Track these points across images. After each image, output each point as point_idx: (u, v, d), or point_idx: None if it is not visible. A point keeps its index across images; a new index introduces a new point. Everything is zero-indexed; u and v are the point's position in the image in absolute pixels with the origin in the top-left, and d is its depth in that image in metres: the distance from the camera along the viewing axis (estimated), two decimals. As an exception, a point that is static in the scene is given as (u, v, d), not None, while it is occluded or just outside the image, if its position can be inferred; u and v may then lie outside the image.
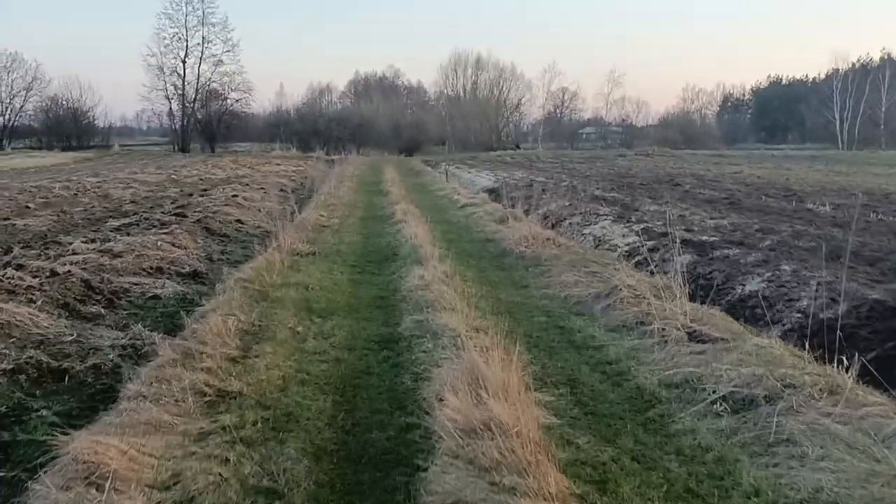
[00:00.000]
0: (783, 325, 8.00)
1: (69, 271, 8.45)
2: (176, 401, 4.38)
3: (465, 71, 79.14)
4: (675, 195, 22.04)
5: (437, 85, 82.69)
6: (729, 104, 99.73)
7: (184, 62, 66.04)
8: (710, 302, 8.60)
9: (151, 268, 9.62)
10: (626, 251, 13.25)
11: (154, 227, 12.99)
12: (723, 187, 24.96)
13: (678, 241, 12.76)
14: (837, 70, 79.61)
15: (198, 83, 66.78)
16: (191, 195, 20.24)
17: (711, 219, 15.68)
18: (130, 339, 6.62)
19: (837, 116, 73.76)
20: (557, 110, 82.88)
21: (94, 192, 20.12)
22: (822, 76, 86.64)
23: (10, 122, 65.49)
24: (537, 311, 7.71)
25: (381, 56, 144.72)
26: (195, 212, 15.11)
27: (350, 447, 4.24)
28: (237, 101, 67.98)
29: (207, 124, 67.26)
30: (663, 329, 6.44)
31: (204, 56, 66.31)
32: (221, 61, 66.44)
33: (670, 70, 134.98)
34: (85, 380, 5.62)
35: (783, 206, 18.19)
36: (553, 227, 15.80)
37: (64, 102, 68.32)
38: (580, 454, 4.11)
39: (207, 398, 4.55)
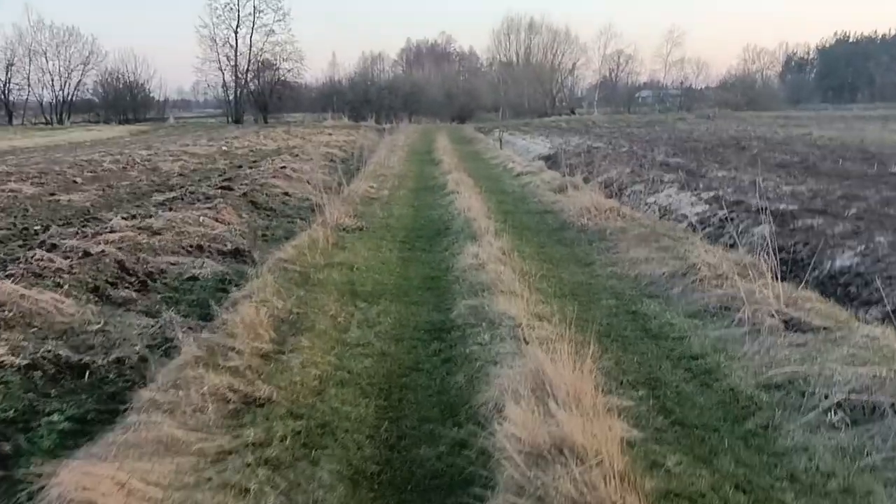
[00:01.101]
0: (884, 305, 7.10)
1: (103, 251, 7.99)
2: (194, 410, 3.79)
3: (518, 35, 77.26)
4: (743, 160, 20.78)
5: (490, 51, 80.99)
6: (792, 64, 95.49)
7: (236, 32, 65.97)
8: (796, 279, 7.75)
9: (191, 246, 9.12)
10: (696, 221, 12.32)
11: (199, 201, 12.53)
12: (794, 150, 23.51)
13: (755, 210, 11.80)
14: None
15: (250, 53, 66.71)
16: (240, 167, 19.85)
17: (787, 185, 14.56)
18: (161, 327, 6.10)
19: (912, 73, 69.90)
20: (612, 74, 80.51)
21: (144, 165, 19.87)
22: (894, 32, 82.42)
23: (69, 97, 66.38)
24: (605, 292, 6.94)
25: (433, 22, 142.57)
26: (242, 185, 14.64)
27: (394, 468, 3.59)
28: (289, 70, 67.77)
29: (260, 95, 67.22)
30: (753, 315, 5.62)
31: (255, 26, 66.10)
32: (273, 31, 66.24)
33: (731, 29, 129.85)
34: (106, 376, 5.10)
35: (864, 171, 16.85)
36: (614, 195, 14.89)
37: (120, 76, 69.04)
38: (672, 482, 3.38)
39: (231, 406, 3.95)
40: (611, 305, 6.48)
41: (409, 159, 23.56)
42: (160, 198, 13.02)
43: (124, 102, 68.86)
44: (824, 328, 5.28)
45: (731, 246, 10.45)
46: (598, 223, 10.14)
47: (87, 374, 5.10)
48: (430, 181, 16.64)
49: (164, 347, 5.50)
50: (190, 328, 6.13)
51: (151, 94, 73.02)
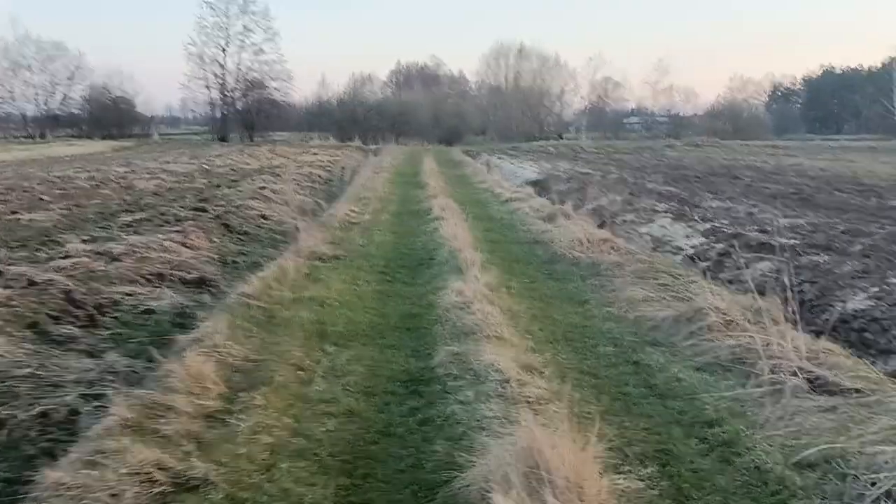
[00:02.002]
0: (905, 356, 6.51)
1: (50, 280, 7.25)
2: (110, 496, 3.07)
3: (508, 60, 77.11)
4: (736, 189, 20.31)
5: (479, 74, 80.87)
6: (779, 94, 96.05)
7: (224, 51, 65.32)
8: (803, 321, 7.15)
9: (151, 274, 8.39)
10: (691, 255, 11.73)
11: (168, 223, 11.83)
12: (787, 181, 23.08)
13: (755, 244, 11.23)
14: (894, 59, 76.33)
15: (238, 72, 66.08)
16: (218, 187, 19.12)
17: (785, 217, 14.02)
18: (102, 371, 5.38)
19: (898, 105, 70.22)
20: (601, 100, 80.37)
21: (118, 183, 19.10)
22: (879, 66, 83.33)
23: (52, 111, 65.45)
24: (602, 337, 6.27)
25: (424, 45, 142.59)
26: (217, 206, 13.93)
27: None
28: (277, 89, 67.10)
29: (247, 113, 66.50)
30: (772, 371, 4.97)
31: (244, 45, 65.48)
32: (262, 50, 65.50)
33: (718, 59, 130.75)
34: (27, 434, 4.37)
35: (863, 203, 16.38)
36: (605, 225, 14.31)
37: (106, 91, 68.17)
38: None
39: (157, 489, 3.23)
40: (609, 354, 5.80)
41: (394, 181, 22.93)
42: (128, 219, 12.27)
43: (109, 118, 67.88)
44: (856, 391, 4.63)
45: (731, 282, 9.86)
46: (591, 256, 9.50)
47: (5, 431, 4.38)
48: (414, 205, 15.98)
49: (101, 397, 4.78)
50: (134, 373, 5.43)
51: (138, 111, 72.27)
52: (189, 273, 8.75)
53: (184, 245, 10.06)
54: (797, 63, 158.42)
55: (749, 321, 6.03)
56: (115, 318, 6.84)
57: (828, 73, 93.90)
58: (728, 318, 6.06)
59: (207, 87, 65.80)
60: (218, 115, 67.00)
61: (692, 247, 12.10)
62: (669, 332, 6.23)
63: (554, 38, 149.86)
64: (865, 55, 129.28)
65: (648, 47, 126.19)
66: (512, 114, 70.65)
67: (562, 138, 67.69)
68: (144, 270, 8.45)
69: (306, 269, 8.40)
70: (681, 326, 6.22)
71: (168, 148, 47.68)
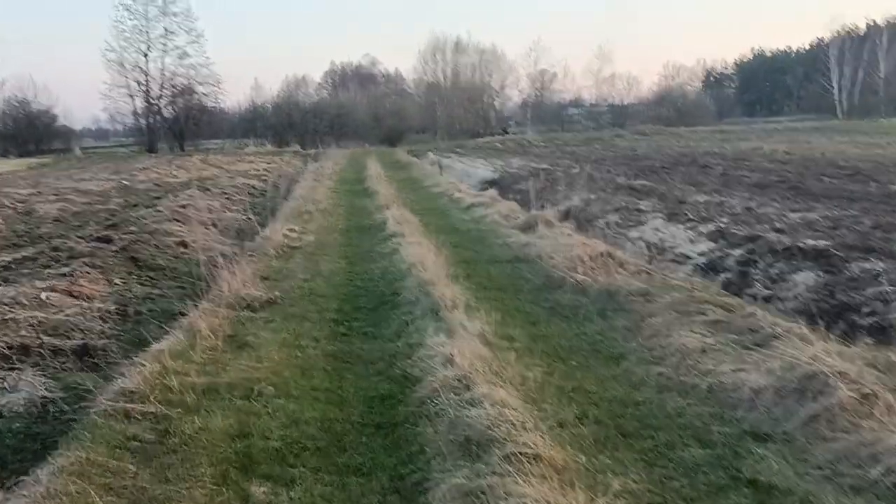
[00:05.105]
0: None
1: None
2: None
3: (445, 55, 74.76)
4: (713, 180, 18.60)
5: (416, 71, 78.35)
6: (712, 79, 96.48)
7: (146, 56, 61.48)
8: None
9: (10, 345, 6.03)
10: (702, 264, 9.82)
11: (59, 261, 9.41)
12: (761, 167, 21.52)
13: (780, 248, 9.40)
14: (822, 39, 77.43)
15: (163, 78, 62.30)
16: (135, 206, 16.60)
17: (792, 212, 12.23)
18: None
19: (836, 85, 70.50)
20: (540, 92, 78.71)
21: (13, 209, 16.30)
22: (807, 46, 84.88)
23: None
24: (673, 426, 4.16)
25: (358, 44, 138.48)
26: (126, 233, 11.46)
27: None
28: (206, 94, 63.52)
29: (175, 122, 62.84)
30: None
31: (167, 49, 61.72)
32: (186, 53, 61.73)
33: (653, 47, 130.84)
34: None
35: (864, 190, 14.74)
36: (582, 228, 12.33)
37: (22, 105, 63.60)
38: None
39: None
40: (700, 463, 3.70)
41: (339, 190, 20.58)
42: (6, 258, 9.76)
43: (27, 133, 63.30)
44: None
45: (765, 300, 7.96)
46: (600, 280, 7.41)
47: None
48: (365, 219, 13.72)
49: None
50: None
51: (59, 124, 67.56)
52: (69, 339, 6.42)
53: (70, 294, 7.70)
54: (728, 48, 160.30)
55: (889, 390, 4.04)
56: (-70, 434, 4.50)
57: (758, 57, 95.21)
58: (863, 391, 4.02)
59: (131, 95, 61.87)
60: (143, 125, 63.14)
61: (701, 254, 10.18)
62: (774, 413, 4.15)
63: (492, 29, 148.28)
64: (793, 37, 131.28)
65: (587, 34, 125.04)
66: (454, 111, 68.60)
67: (506, 133, 65.93)
68: (2, 340, 6.08)
69: (229, 326, 6.12)
70: (789, 404, 4.15)
71: (90, 163, 44.18)
